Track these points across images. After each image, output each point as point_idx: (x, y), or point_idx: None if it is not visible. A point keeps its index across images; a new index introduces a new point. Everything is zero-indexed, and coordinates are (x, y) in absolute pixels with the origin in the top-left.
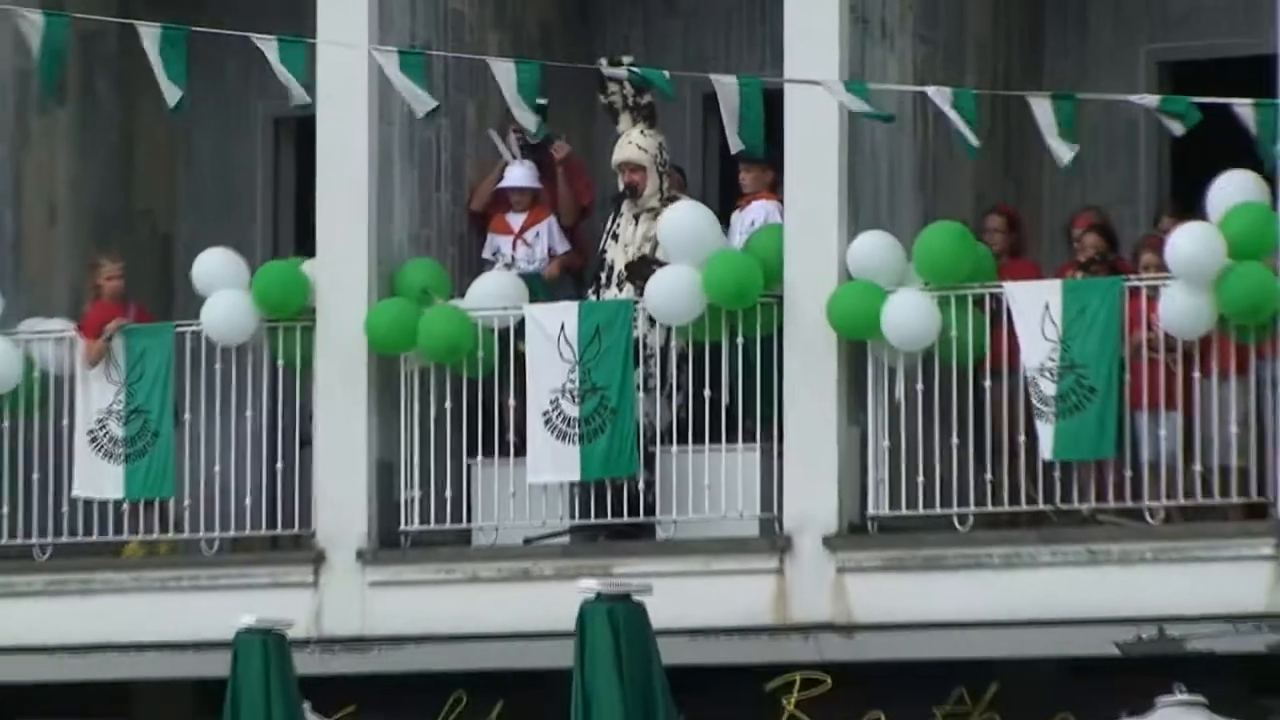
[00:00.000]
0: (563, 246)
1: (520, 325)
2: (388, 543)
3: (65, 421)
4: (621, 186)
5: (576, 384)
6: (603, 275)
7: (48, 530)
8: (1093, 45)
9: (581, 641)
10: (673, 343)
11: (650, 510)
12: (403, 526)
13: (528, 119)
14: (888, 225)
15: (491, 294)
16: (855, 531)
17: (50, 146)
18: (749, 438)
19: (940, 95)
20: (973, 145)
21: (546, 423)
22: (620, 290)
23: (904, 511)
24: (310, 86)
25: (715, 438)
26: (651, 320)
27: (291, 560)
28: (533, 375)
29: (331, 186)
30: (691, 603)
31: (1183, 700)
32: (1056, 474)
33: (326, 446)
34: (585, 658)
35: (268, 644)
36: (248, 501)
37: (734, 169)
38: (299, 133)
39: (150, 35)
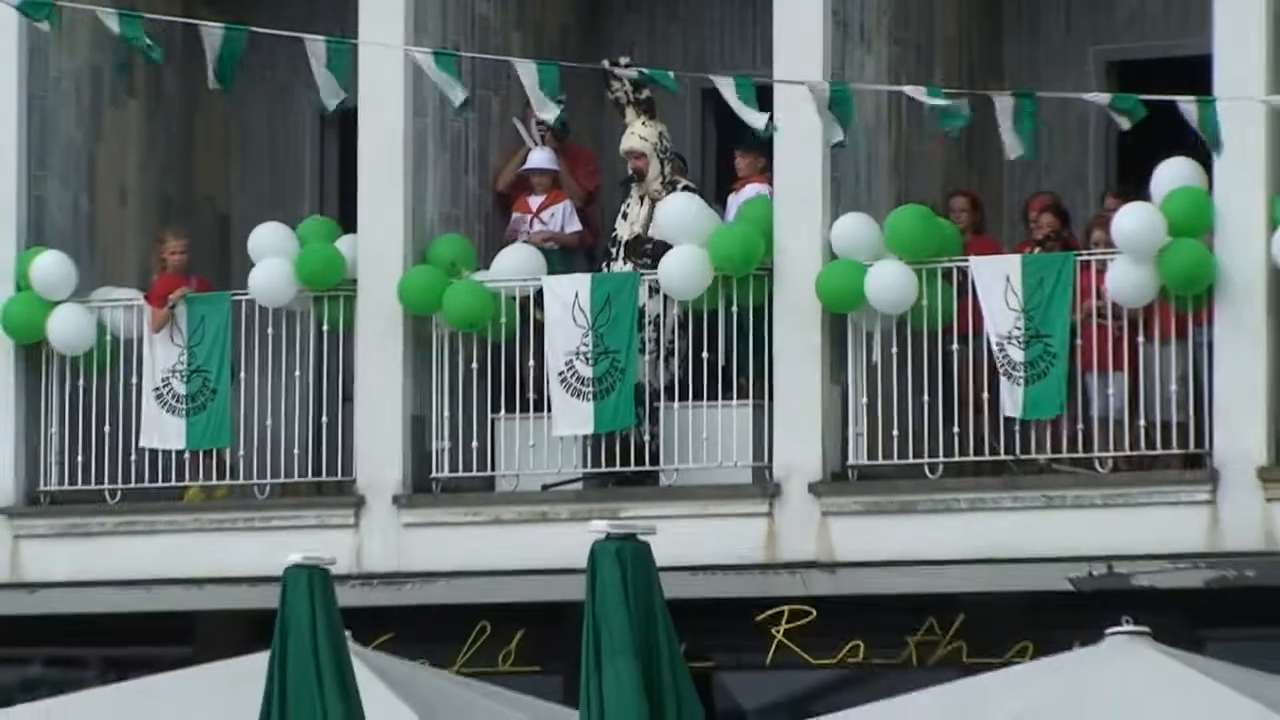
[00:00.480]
0: (573, 226)
1: (539, 295)
2: (420, 488)
3: (134, 380)
4: (629, 171)
5: (589, 347)
6: (613, 249)
7: (118, 477)
8: (1045, 46)
9: (592, 577)
10: (674, 310)
11: (654, 460)
12: (434, 474)
13: (547, 110)
14: (865, 206)
15: (513, 266)
16: (837, 479)
17: (121, 136)
18: (742, 395)
19: (917, 91)
20: (961, 115)
21: (562, 382)
22: (627, 264)
23: (880, 461)
24: (351, 84)
25: (712, 395)
26: (653, 290)
27: (335, 504)
28: (550, 340)
29: (371, 171)
30: (691, 543)
31: (1129, 631)
32: (1016, 428)
33: (366, 402)
34: (596, 592)
35: (313, 579)
36: (295, 451)
37: (730, 155)
38: (342, 124)
39: (212, 35)
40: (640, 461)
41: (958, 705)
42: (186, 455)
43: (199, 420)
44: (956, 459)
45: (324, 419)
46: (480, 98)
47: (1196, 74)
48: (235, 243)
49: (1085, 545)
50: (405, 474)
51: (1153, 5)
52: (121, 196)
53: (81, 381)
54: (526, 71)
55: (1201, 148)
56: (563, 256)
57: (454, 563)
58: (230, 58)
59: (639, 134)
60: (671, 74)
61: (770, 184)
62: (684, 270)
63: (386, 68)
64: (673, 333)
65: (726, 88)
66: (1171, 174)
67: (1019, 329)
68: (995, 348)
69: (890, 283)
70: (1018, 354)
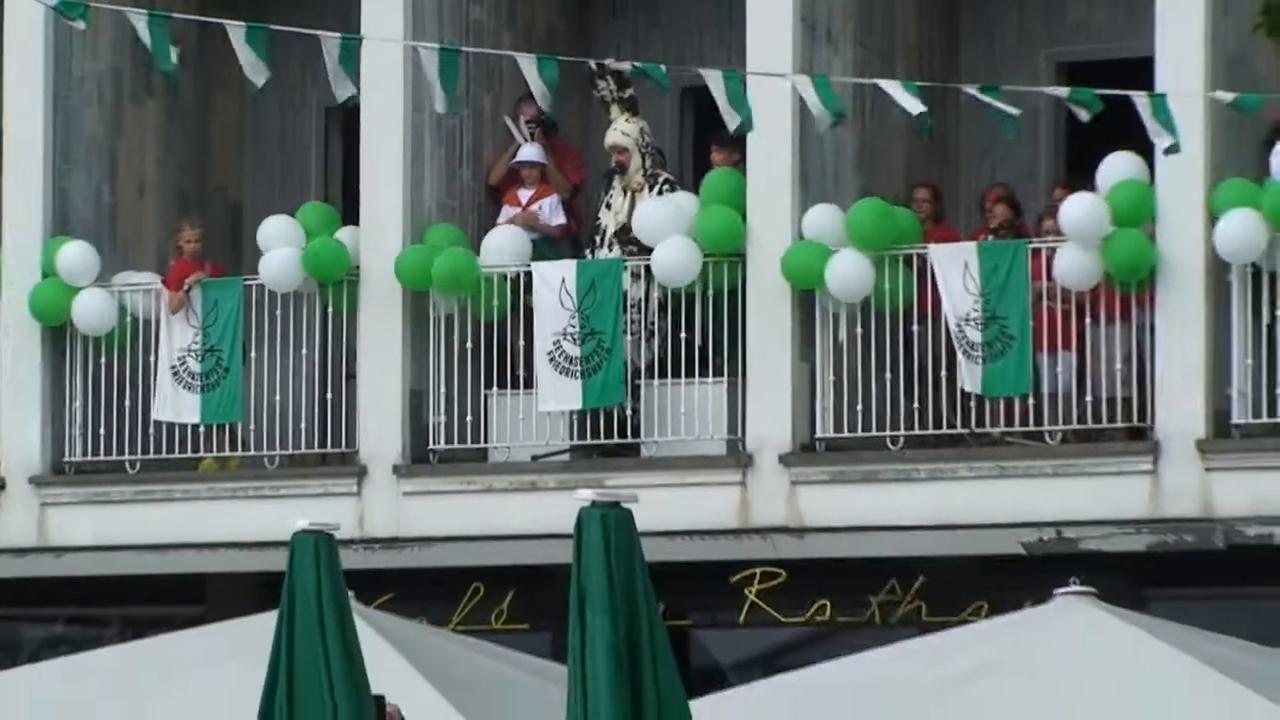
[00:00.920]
0: (559, 219)
1: (528, 279)
2: (418, 459)
3: (152, 358)
4: (612, 165)
5: (577, 329)
6: (597, 238)
7: (137, 448)
8: (1000, 50)
9: (578, 542)
10: (655, 294)
11: (636, 433)
12: (431, 446)
13: (544, 95)
14: (833, 197)
15: (500, 245)
16: (805, 450)
17: (140, 132)
18: (717, 373)
19: (891, 85)
20: (924, 113)
21: (551, 360)
22: (611, 250)
23: (846, 434)
24: (355, 81)
25: (690, 373)
26: (635, 275)
27: (338, 474)
28: (539, 321)
29: (372, 164)
30: (670, 510)
31: (1076, 591)
32: (972, 403)
33: (367, 379)
34: (581, 555)
35: (319, 543)
36: (302, 425)
37: (706, 149)
38: (346, 120)
39: (236, 33)
40: (623, 434)
41: (918, 661)
42: (201, 429)
43: (213, 396)
44: (917, 432)
45: (328, 395)
46: (474, 96)
47: (1140, 75)
48: (246, 231)
49: (1036, 512)
50: (404, 446)
51: (1100, 10)
52: (140, 188)
53: (103, 360)
54: (528, 64)
55: (1145, 142)
56: (550, 244)
57: (450, 528)
58: (259, 55)
59: (622, 129)
60: (664, 68)
61: (744, 176)
62: (676, 259)
63: (387, 69)
64: (653, 315)
65: (715, 81)
66: (1116, 167)
67: (976, 311)
68: (954, 329)
69: (850, 271)
70: (976, 335)
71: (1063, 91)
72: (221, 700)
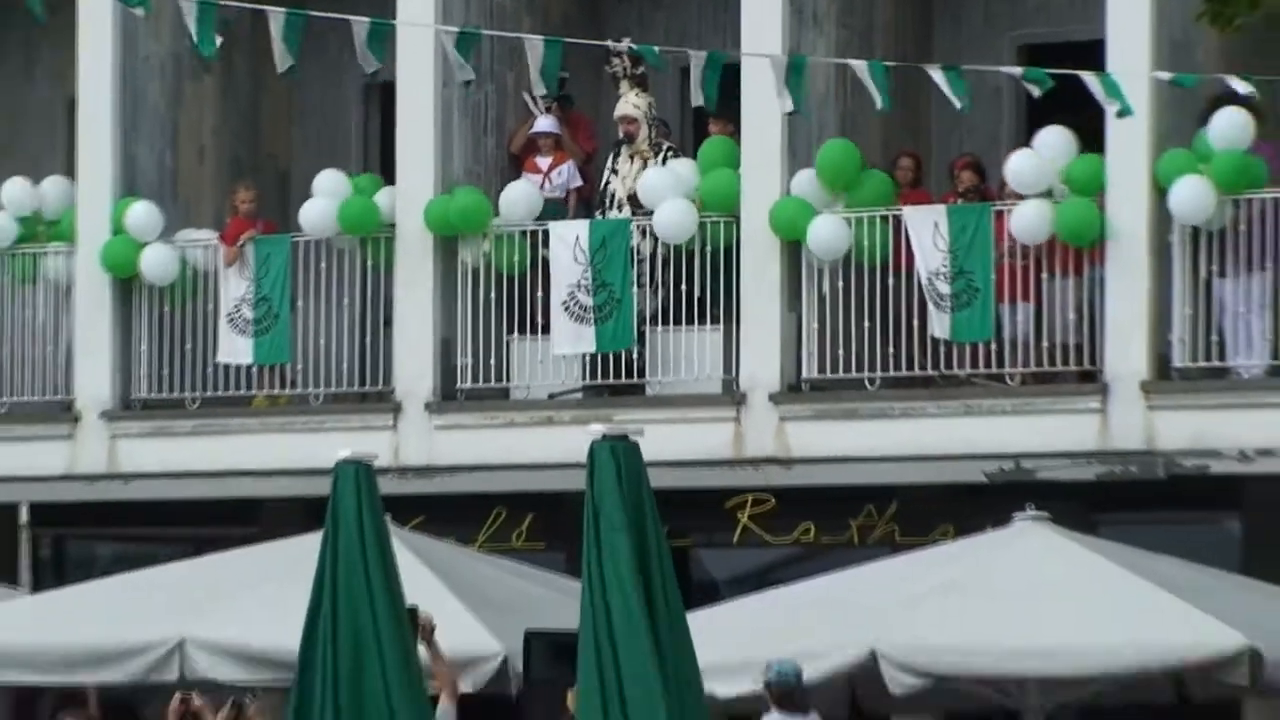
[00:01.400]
0: (576, 182)
1: (546, 236)
2: (448, 397)
3: (210, 306)
4: (621, 135)
5: (589, 281)
6: (607, 200)
7: (197, 386)
8: (967, 31)
9: (591, 470)
10: (659, 250)
11: (642, 374)
12: (458, 385)
13: (542, 84)
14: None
15: (515, 198)
16: (792, 390)
17: (199, 106)
18: (714, 321)
19: (860, 67)
20: (885, 99)
21: (566, 309)
22: (620, 211)
23: (828, 375)
24: (390, 62)
25: (690, 321)
26: (642, 233)
27: (376, 409)
28: (555, 274)
29: (407, 134)
30: (672, 442)
31: (1033, 516)
32: (941, 348)
33: (402, 326)
34: (594, 482)
35: (359, 471)
36: (344, 366)
37: (705, 121)
38: (383, 94)
39: (275, 19)
40: (630, 375)
41: (892, 577)
42: (253, 369)
43: (264, 340)
44: (891, 374)
45: (367, 339)
46: (497, 72)
47: (1094, 55)
48: (294, 194)
49: (997, 445)
50: (435, 385)
51: None
52: (199, 155)
53: (167, 308)
54: (534, 53)
55: (1096, 115)
56: (560, 206)
57: (475, 458)
58: (293, 41)
59: (632, 103)
60: (657, 49)
61: (738, 145)
62: (675, 219)
63: (420, 50)
64: (658, 269)
65: (697, 62)
66: (1048, 139)
67: (945, 266)
68: (925, 282)
69: (830, 229)
70: (944, 287)
71: (1018, 71)
72: (273, 610)
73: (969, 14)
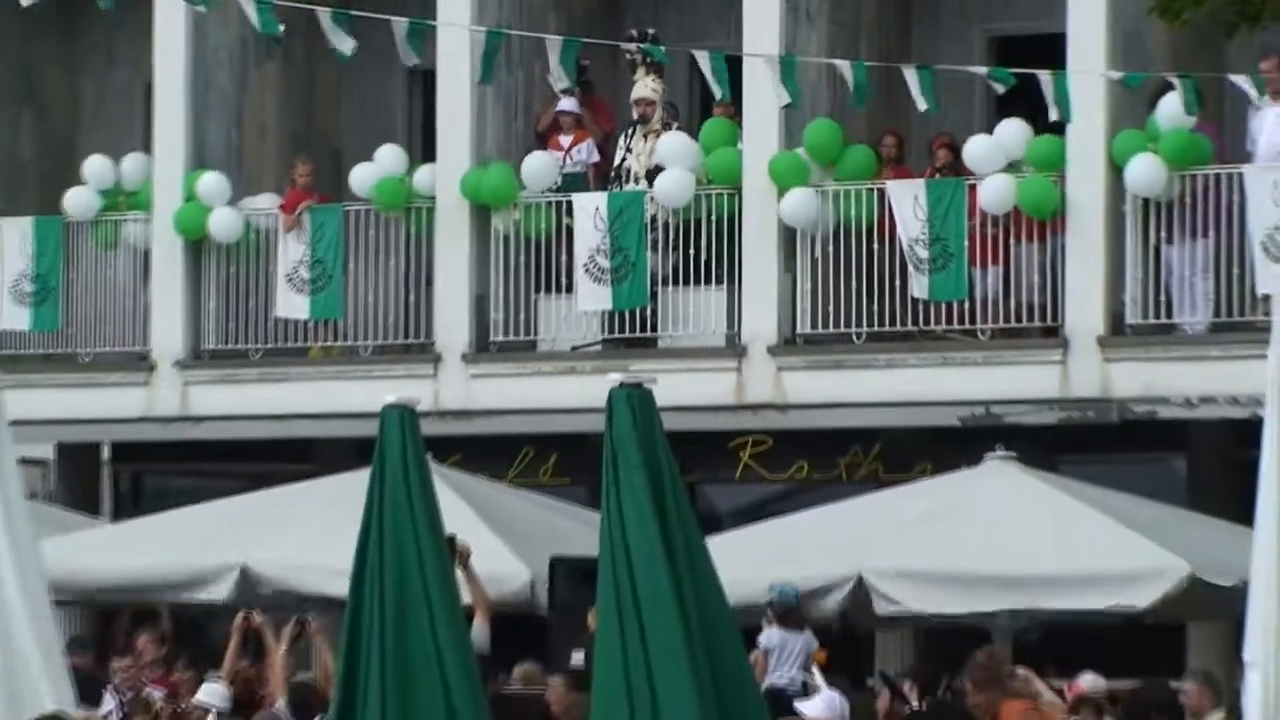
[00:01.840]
0: (595, 158)
1: (569, 206)
2: (482, 348)
3: (271, 268)
4: (636, 116)
5: (608, 246)
6: (623, 174)
7: (259, 338)
8: (943, 26)
9: (609, 414)
10: (670, 219)
11: (655, 329)
12: (492, 338)
13: (563, 81)
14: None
15: (535, 167)
16: (788, 343)
17: (262, 89)
18: (719, 282)
19: (844, 67)
20: (860, 98)
21: (587, 271)
22: (636, 184)
23: (820, 330)
24: (430, 53)
25: (698, 282)
26: (656, 204)
27: (419, 359)
28: (578, 240)
29: (446, 115)
30: (682, 389)
31: (1001, 456)
32: (920, 306)
33: (442, 285)
34: (612, 425)
35: (403, 415)
36: (390, 321)
37: (710, 105)
38: (425, 80)
39: (324, 16)
40: (644, 330)
41: (877, 509)
42: (309, 323)
43: (319, 298)
44: (876, 329)
45: (411, 297)
46: (526, 62)
47: (1058, 46)
48: (345, 168)
49: (970, 393)
50: (471, 338)
51: None
52: (261, 133)
53: (232, 269)
54: (553, 50)
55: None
56: (579, 179)
57: (506, 403)
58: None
59: (650, 86)
60: (663, 49)
61: (740, 127)
62: (674, 188)
63: (459, 42)
64: (669, 236)
65: (703, 59)
66: (1009, 129)
67: (924, 234)
68: (906, 248)
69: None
70: (923, 252)
71: (983, 70)
72: (326, 538)
73: (945, 9)
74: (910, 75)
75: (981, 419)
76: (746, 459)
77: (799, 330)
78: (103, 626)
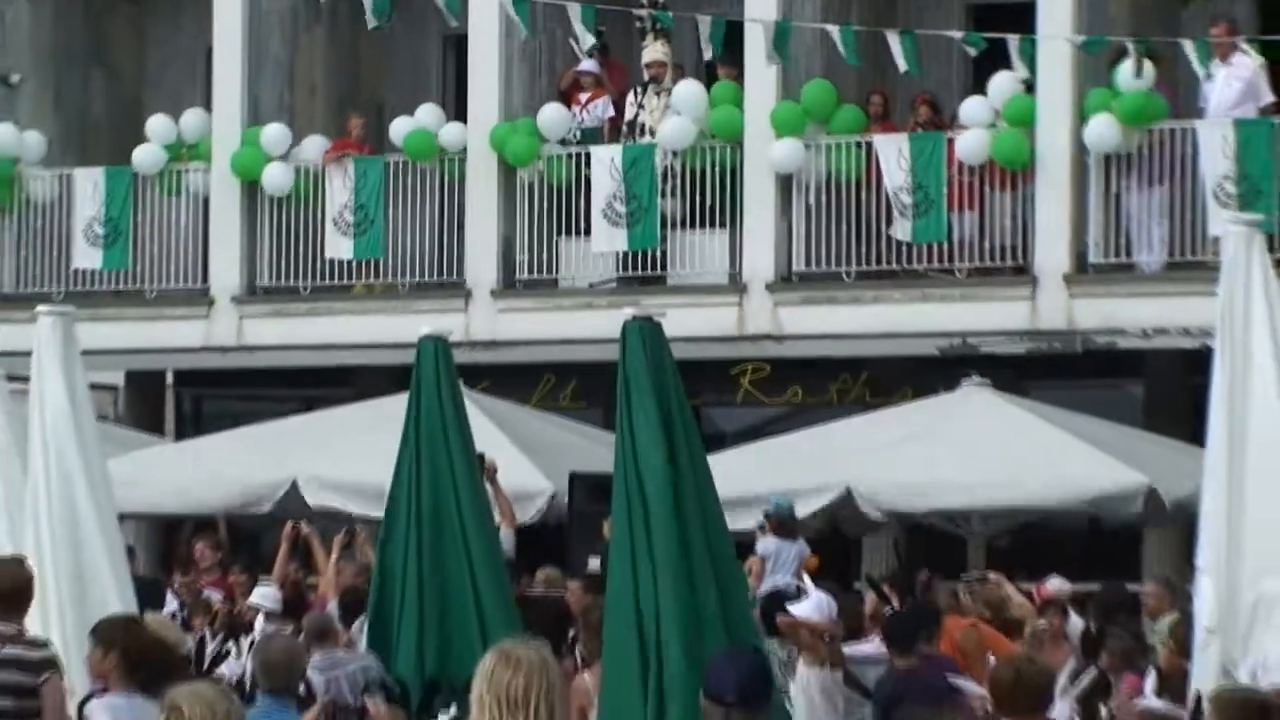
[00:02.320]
0: (610, 113)
1: (588, 157)
2: (509, 285)
3: (319, 212)
4: (648, 77)
5: (623, 193)
6: (636, 129)
7: (308, 276)
8: None
9: (623, 344)
10: (678, 168)
11: (664, 267)
12: (518, 276)
13: (584, 38)
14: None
15: (551, 117)
16: (784, 281)
17: (311, 53)
18: (723, 225)
19: (834, 32)
20: (852, 56)
21: (604, 215)
22: (650, 137)
23: (813, 269)
24: (464, 17)
25: (704, 225)
26: (666, 154)
27: (451, 295)
28: (595, 187)
29: (477, 75)
30: (689, 321)
31: (976, 382)
32: (904, 247)
33: (473, 228)
34: (625, 354)
35: (437, 345)
36: (426, 260)
37: (714, 67)
38: (458, 44)
39: None
40: (655, 269)
41: (864, 430)
42: (354, 262)
43: (363, 239)
44: (863, 268)
45: (444, 239)
46: (549, 26)
47: (1030, 13)
48: (385, 122)
49: (948, 325)
50: (498, 276)
51: None
52: (311, 92)
53: (284, 213)
54: (574, 14)
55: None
56: (595, 133)
57: (530, 335)
58: (383, 2)
59: (661, 50)
60: (670, 14)
61: (742, 85)
62: (677, 134)
63: (487, 8)
64: (678, 184)
65: (704, 25)
66: (1001, 81)
67: (907, 183)
68: (892, 195)
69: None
70: (907, 199)
71: (959, 34)
72: (368, 455)
73: None
74: (893, 39)
75: (958, 349)
76: (746, 385)
77: (794, 269)
78: (166, 538)
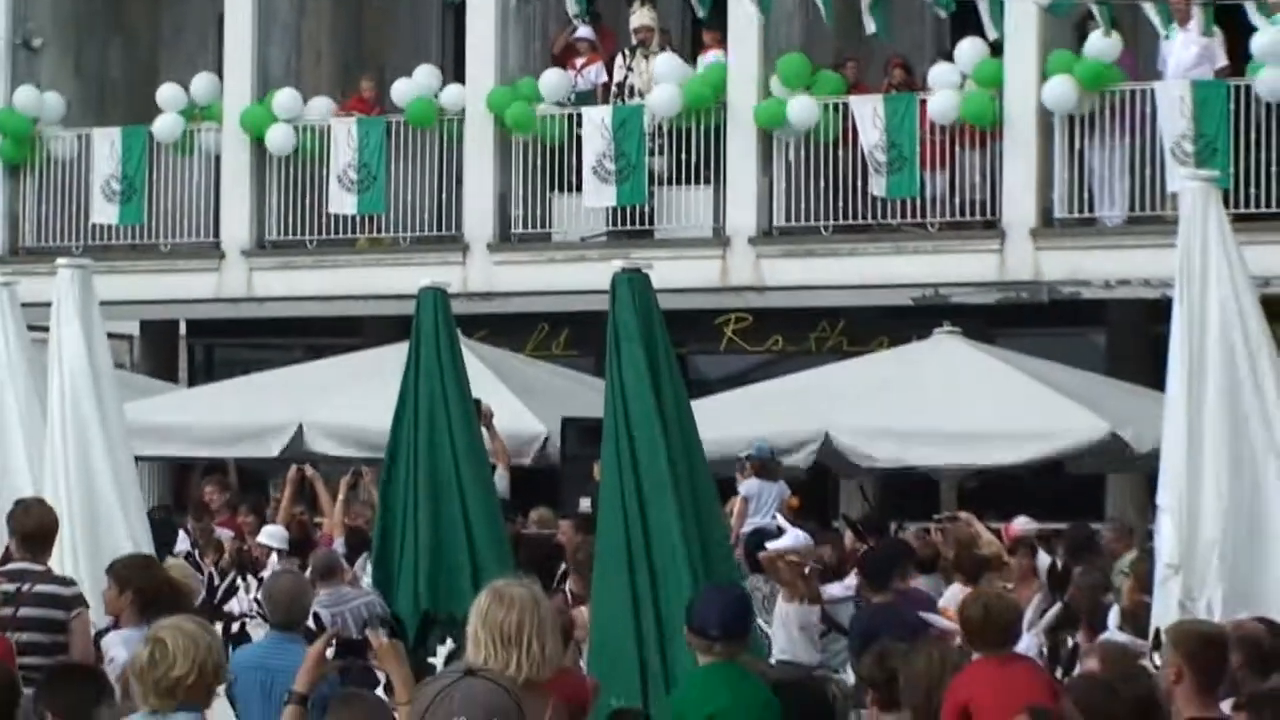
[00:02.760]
0: (603, 77)
1: (580, 117)
2: (504, 238)
3: (324, 169)
4: (636, 41)
5: (613, 151)
6: (625, 91)
7: (314, 230)
8: None
9: (613, 296)
10: (665, 127)
11: (652, 222)
12: (513, 230)
13: (571, 4)
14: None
15: (551, 82)
16: (766, 234)
17: (317, 19)
18: (707, 182)
19: None
20: (829, 17)
21: (595, 172)
22: (640, 99)
23: (793, 223)
24: None
25: (689, 181)
26: (653, 116)
27: (450, 248)
28: (587, 146)
29: (474, 40)
30: (675, 273)
31: (947, 331)
32: (879, 202)
33: (470, 185)
34: (615, 304)
35: (437, 296)
36: (426, 215)
37: (699, 31)
38: (457, 11)
39: None
40: (643, 223)
41: (841, 376)
42: (357, 217)
43: (366, 195)
44: (841, 222)
45: (443, 195)
46: None
47: None
48: (386, 84)
49: (921, 276)
50: (494, 230)
51: None
52: (317, 57)
53: (291, 170)
54: None
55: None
56: (587, 94)
57: (524, 286)
58: None
59: (647, 15)
60: None
61: (725, 50)
62: (665, 100)
63: None
64: (665, 143)
65: None
66: (965, 47)
67: (882, 141)
68: (867, 153)
69: (800, 113)
70: (881, 157)
71: None
72: (370, 401)
73: None
74: (864, 3)
75: (930, 299)
76: (730, 334)
77: (775, 224)
78: (178, 480)
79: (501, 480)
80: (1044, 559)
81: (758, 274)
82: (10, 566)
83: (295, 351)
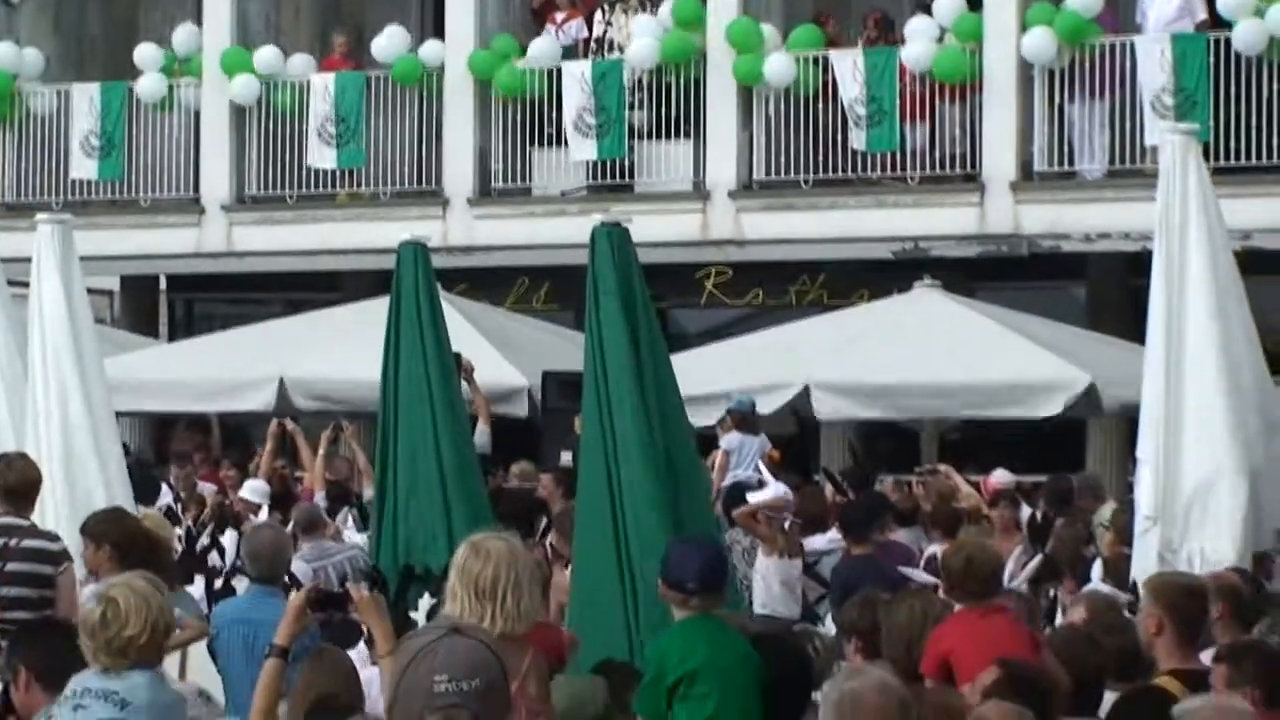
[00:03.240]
0: (584, 33)
1: (560, 72)
2: (484, 193)
3: (304, 124)
4: None
5: (593, 106)
6: (605, 45)
7: (293, 185)
8: None
9: (593, 249)
10: (644, 81)
11: (632, 176)
12: (493, 184)
13: None
14: (764, 16)
15: (541, 47)
16: (746, 188)
17: None
18: (687, 135)
19: None
20: None
21: (575, 127)
22: (620, 54)
23: (773, 177)
24: None
25: (669, 135)
26: (633, 70)
27: (430, 203)
28: (567, 100)
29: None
30: (655, 227)
31: (927, 284)
32: (859, 156)
33: (450, 139)
34: (595, 258)
35: (417, 250)
36: (406, 170)
37: None
38: None
39: None
40: (623, 177)
41: (822, 329)
42: (337, 172)
43: (345, 150)
44: (821, 176)
45: (423, 149)
46: None
47: None
48: (366, 40)
49: (901, 230)
50: (474, 184)
51: None
52: (296, 13)
53: (270, 125)
54: None
55: None
56: (571, 51)
57: (505, 240)
58: None
59: None
60: None
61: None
62: (643, 52)
63: None
64: (645, 97)
65: None
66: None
67: (862, 95)
68: (847, 107)
69: (778, 69)
70: (861, 110)
71: None
72: (351, 355)
73: None
74: None
75: (911, 252)
76: (710, 287)
77: (755, 177)
78: (159, 434)
79: (483, 434)
80: (1026, 512)
81: (738, 228)
82: None
83: (275, 306)
